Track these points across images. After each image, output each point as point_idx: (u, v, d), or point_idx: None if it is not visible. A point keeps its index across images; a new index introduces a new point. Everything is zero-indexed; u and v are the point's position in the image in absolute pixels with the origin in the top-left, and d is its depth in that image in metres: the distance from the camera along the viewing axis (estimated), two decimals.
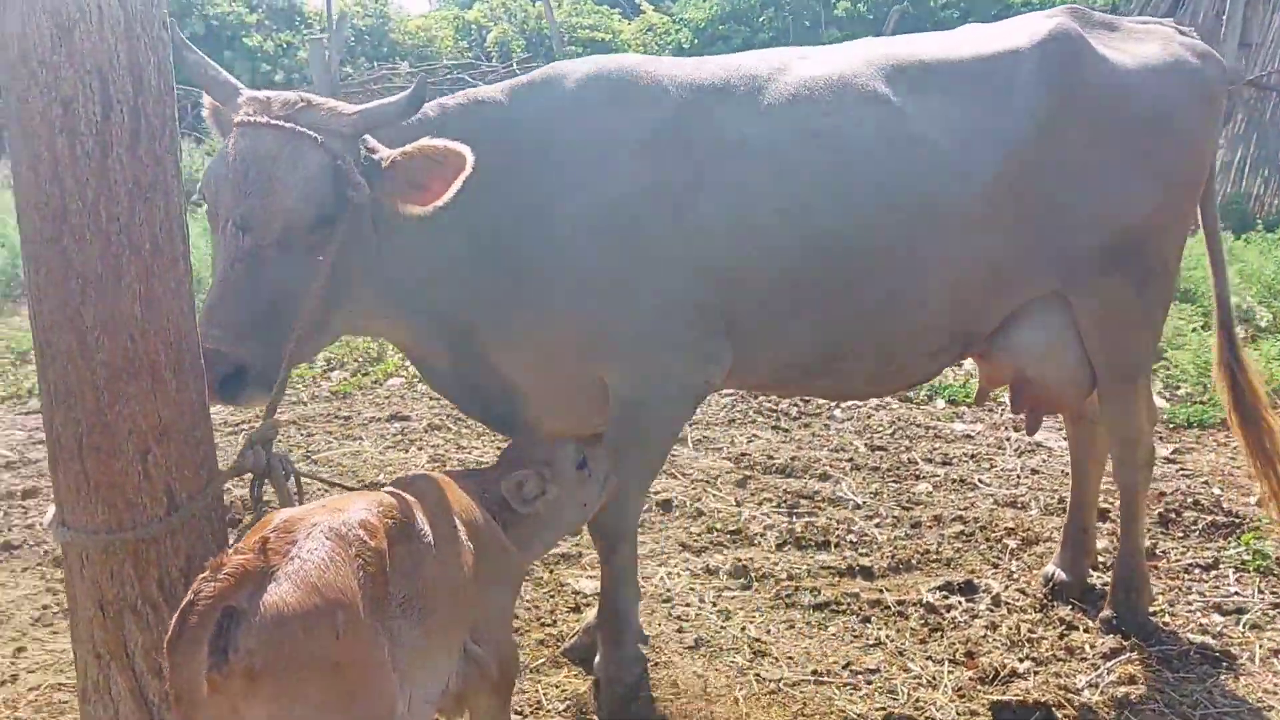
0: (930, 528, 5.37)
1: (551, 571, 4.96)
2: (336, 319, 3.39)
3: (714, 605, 4.65)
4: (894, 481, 5.95)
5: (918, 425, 6.81)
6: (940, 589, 4.73)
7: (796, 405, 7.19)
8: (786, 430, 6.74)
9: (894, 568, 4.95)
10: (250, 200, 3.06)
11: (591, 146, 3.59)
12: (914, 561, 4.99)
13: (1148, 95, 3.96)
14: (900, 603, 4.64)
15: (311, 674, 2.26)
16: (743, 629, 4.46)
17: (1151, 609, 4.48)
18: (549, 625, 4.52)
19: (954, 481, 5.96)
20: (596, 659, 4.05)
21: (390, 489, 2.90)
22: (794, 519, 5.42)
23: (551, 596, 4.76)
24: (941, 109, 3.79)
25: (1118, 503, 4.64)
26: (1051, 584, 4.74)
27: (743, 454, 6.31)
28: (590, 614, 4.35)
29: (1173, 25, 4.28)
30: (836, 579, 4.85)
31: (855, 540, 5.20)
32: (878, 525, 5.38)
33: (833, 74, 3.80)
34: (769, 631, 4.45)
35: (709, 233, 3.60)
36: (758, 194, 3.64)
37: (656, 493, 5.74)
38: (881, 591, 4.74)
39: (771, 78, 3.79)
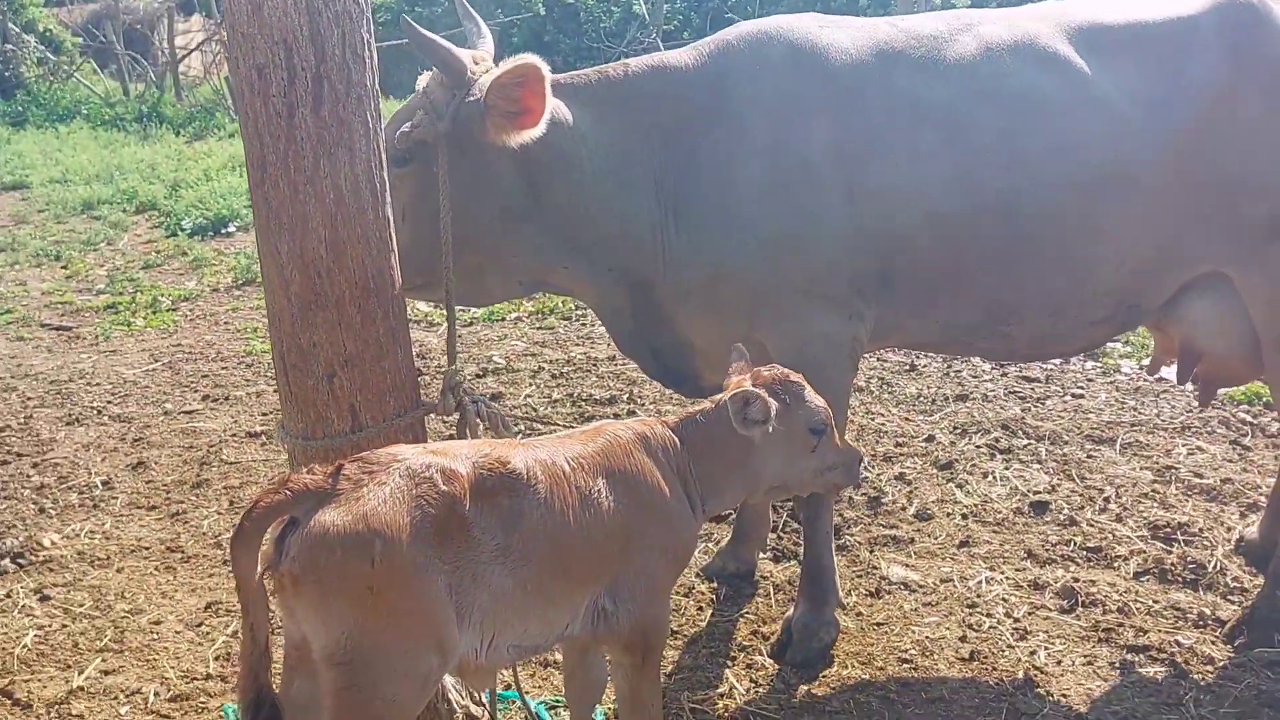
0: None
1: (872, 551, 4.81)
2: (496, 262, 3.73)
3: (1015, 622, 4.24)
4: None
5: None
6: None
7: None
8: (1246, 449, 5.77)
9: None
10: None
11: (769, 108, 3.69)
12: None
13: None
14: (1236, 664, 3.91)
15: (346, 591, 2.52)
16: (1031, 653, 4.04)
17: None
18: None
19: None
20: (791, 612, 4.14)
21: (544, 439, 3.04)
22: (1170, 548, 4.72)
23: (858, 576, 4.62)
24: (1120, 72, 3.74)
25: None
26: None
27: (1170, 466, 5.54)
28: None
29: None
30: (1177, 623, 4.19)
31: (1231, 585, 4.42)
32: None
33: (1013, 36, 3.79)
34: (1060, 663, 3.99)
35: (879, 196, 3.67)
36: (930, 157, 3.67)
37: (1036, 492, 5.28)
38: (1222, 645, 4.03)
39: (951, 39, 3.77)
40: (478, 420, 3.41)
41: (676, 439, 3.11)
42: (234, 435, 6.27)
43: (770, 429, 3.00)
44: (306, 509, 2.56)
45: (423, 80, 3.69)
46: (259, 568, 2.57)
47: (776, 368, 3.17)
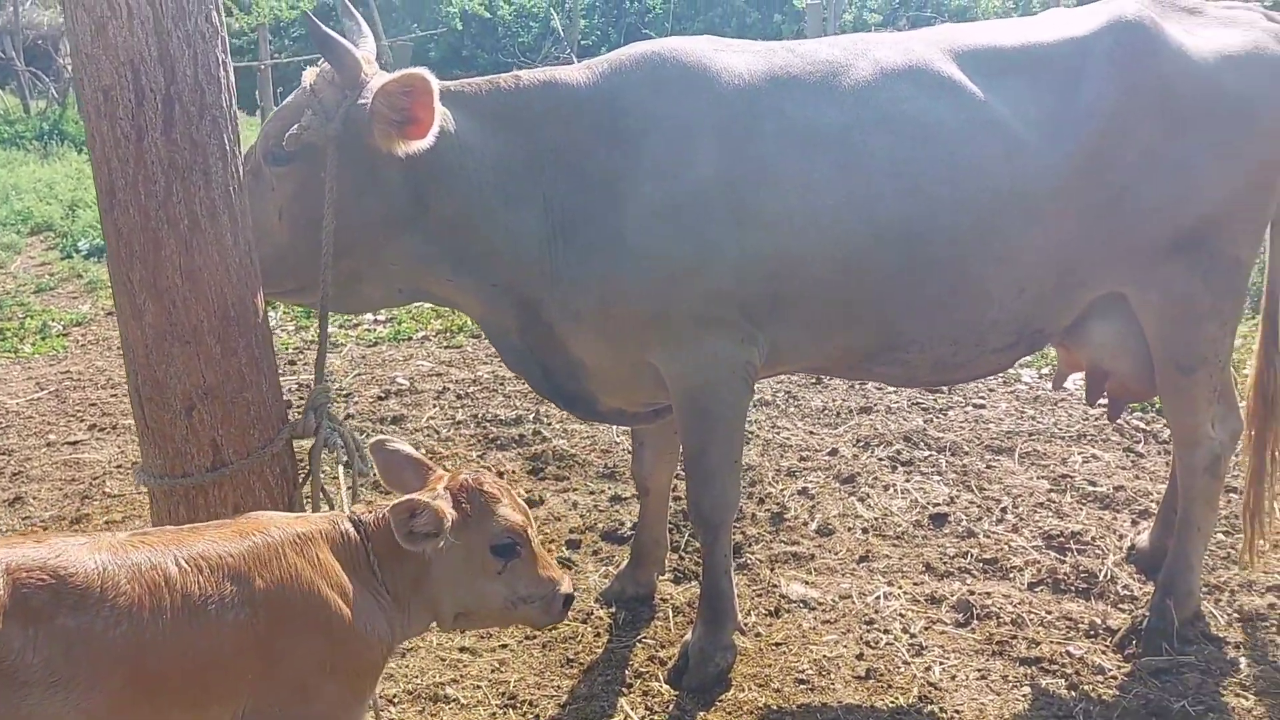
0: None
1: (773, 569, 4.77)
2: (375, 269, 3.64)
3: (911, 638, 4.22)
4: (1222, 534, 4.97)
5: None
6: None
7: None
8: (1140, 455, 5.84)
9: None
10: None
11: (659, 131, 3.62)
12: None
13: (1227, 86, 3.78)
14: (1126, 674, 3.93)
15: None
16: (926, 669, 4.02)
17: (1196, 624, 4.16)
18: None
19: None
20: (689, 636, 4.07)
21: (168, 531, 2.64)
22: (1064, 557, 4.74)
23: (758, 594, 4.57)
24: (1014, 95, 3.74)
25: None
26: None
27: (1065, 475, 5.58)
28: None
29: (1260, 9, 4.04)
30: (1068, 634, 4.20)
31: (1121, 593, 4.45)
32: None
33: (907, 61, 3.76)
34: (954, 678, 3.98)
35: (771, 224, 3.61)
36: (823, 184, 3.63)
37: (935, 504, 5.29)
38: (1112, 655, 4.05)
39: (847, 65, 3.74)
40: (335, 444, 3.30)
41: (361, 538, 2.72)
42: (119, 466, 6.05)
43: (442, 544, 2.62)
44: None
45: (309, 77, 3.56)
46: None
47: (482, 474, 2.82)
